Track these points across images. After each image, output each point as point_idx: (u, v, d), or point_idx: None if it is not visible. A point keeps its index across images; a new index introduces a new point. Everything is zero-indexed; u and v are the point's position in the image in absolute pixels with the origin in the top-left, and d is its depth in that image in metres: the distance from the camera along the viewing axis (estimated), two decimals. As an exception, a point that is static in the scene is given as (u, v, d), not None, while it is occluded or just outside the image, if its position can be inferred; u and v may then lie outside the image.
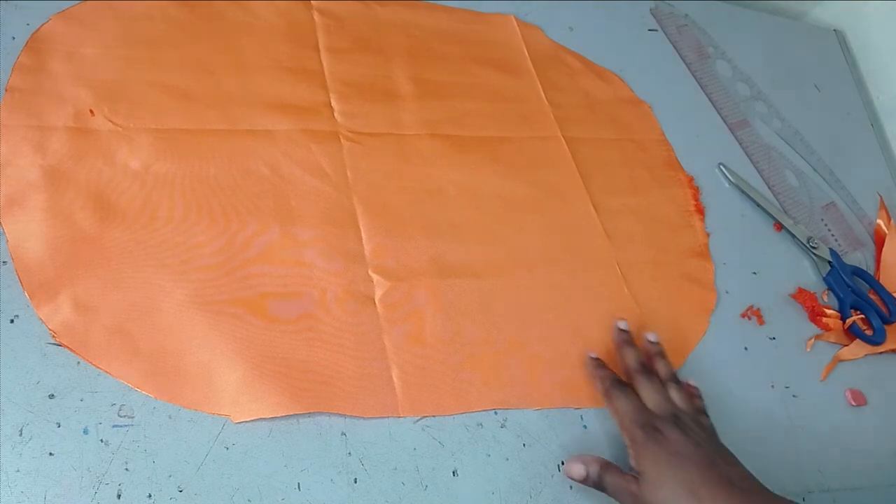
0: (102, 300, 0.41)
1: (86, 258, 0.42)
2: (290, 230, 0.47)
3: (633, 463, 0.43)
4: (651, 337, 0.51)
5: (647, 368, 0.49)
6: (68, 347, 0.39)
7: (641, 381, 0.47)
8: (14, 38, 0.46)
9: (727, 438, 0.46)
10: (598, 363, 0.49)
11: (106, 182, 0.44)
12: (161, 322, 0.42)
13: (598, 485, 0.44)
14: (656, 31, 0.75)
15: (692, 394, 0.49)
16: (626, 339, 0.51)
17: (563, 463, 0.47)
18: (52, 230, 0.42)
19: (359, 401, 0.44)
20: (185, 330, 0.42)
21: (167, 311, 0.42)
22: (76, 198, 0.43)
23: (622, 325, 0.52)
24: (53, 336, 0.39)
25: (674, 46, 0.75)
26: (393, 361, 0.46)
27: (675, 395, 0.47)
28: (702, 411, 0.48)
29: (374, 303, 0.47)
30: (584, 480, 0.44)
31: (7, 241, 0.41)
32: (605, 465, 0.44)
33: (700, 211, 0.64)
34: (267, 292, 0.45)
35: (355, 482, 0.42)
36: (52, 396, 0.38)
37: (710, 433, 0.46)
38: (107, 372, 0.39)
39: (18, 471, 0.36)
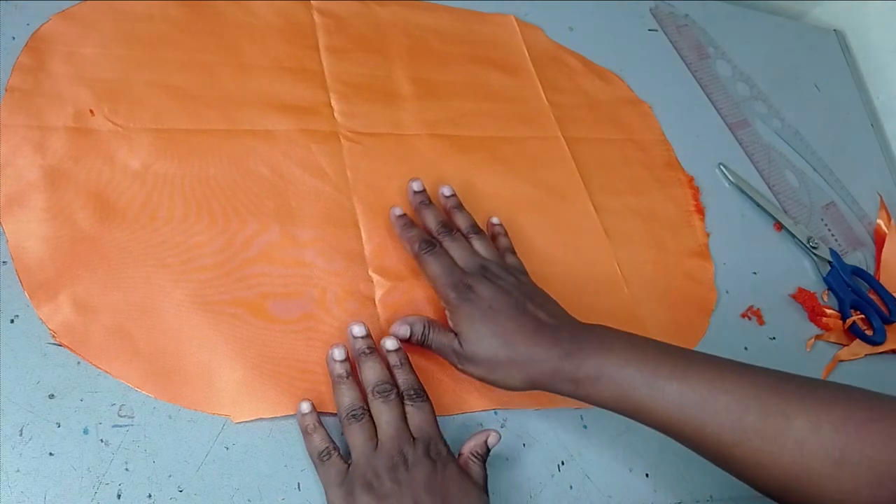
0: (102, 300, 0.41)
1: (86, 258, 0.42)
2: (290, 230, 0.47)
3: (451, 323, 0.44)
4: (445, 191, 0.51)
5: (449, 225, 0.49)
6: (68, 347, 0.39)
7: (446, 241, 0.47)
8: (14, 38, 0.46)
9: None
10: (406, 222, 0.49)
11: (106, 182, 0.44)
12: (161, 322, 0.42)
13: (424, 343, 0.45)
14: (656, 31, 0.75)
15: (496, 233, 0.51)
16: (423, 199, 0.50)
17: (563, 463, 0.47)
18: (52, 230, 0.42)
19: None
20: (185, 330, 0.42)
21: (167, 311, 0.42)
22: (76, 198, 0.43)
23: (416, 185, 0.50)
24: (53, 336, 0.39)
25: (674, 46, 0.75)
26: None
27: (479, 245, 0.48)
28: (508, 250, 0.50)
29: (375, 303, 0.47)
30: (410, 339, 0.45)
31: (7, 241, 0.40)
32: (430, 324, 0.45)
33: (700, 211, 0.64)
34: (267, 292, 0.45)
35: (355, 482, 0.42)
36: (52, 396, 0.38)
37: (519, 274, 0.47)
38: (107, 372, 0.39)
39: (18, 471, 0.36)
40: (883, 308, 0.65)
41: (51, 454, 0.37)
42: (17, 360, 0.38)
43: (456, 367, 0.44)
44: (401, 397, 0.42)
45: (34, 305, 0.39)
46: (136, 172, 0.45)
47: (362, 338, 0.44)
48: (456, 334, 0.44)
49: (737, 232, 0.65)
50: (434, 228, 0.48)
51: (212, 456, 0.39)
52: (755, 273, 0.63)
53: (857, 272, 0.67)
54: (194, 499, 0.38)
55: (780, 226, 0.67)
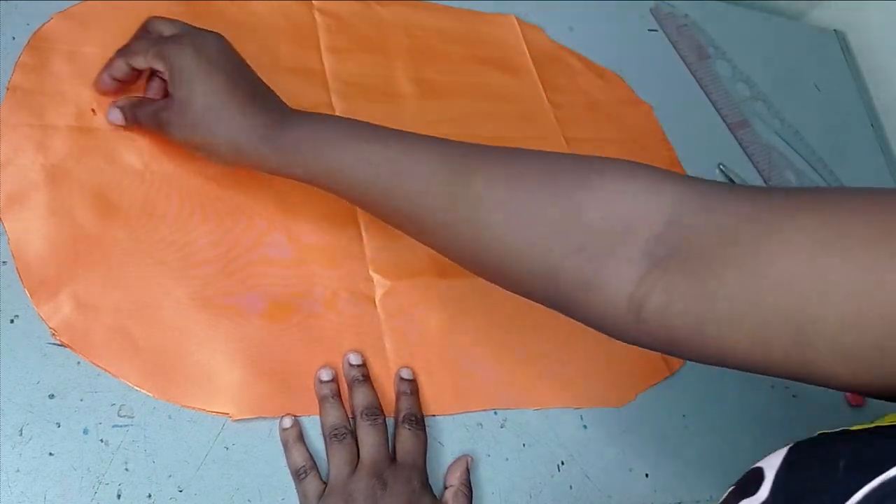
0: (103, 299, 0.41)
1: (87, 257, 0.42)
2: (290, 229, 0.47)
3: (170, 85, 0.42)
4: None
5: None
6: (68, 346, 0.39)
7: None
8: (14, 37, 0.46)
9: (725, 440, 0.46)
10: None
11: (107, 181, 0.44)
12: (161, 321, 0.42)
13: (136, 122, 0.45)
14: (656, 31, 0.75)
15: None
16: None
17: (563, 463, 0.47)
18: (53, 229, 0.42)
19: None
20: (186, 329, 0.42)
21: (168, 310, 0.42)
22: (77, 196, 0.43)
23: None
24: (54, 334, 0.39)
25: (674, 46, 0.75)
26: (393, 361, 0.46)
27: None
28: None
29: (375, 303, 0.47)
30: (125, 124, 0.45)
31: (8, 239, 0.40)
32: (137, 103, 0.45)
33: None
34: (267, 291, 0.45)
35: (355, 482, 0.42)
36: (52, 396, 0.38)
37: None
38: (106, 370, 0.39)
39: (18, 471, 0.36)
40: (883, 308, 0.65)
41: (51, 454, 0.37)
42: (16, 360, 0.38)
43: (161, 131, 0.43)
44: (401, 420, 0.43)
45: (35, 304, 0.39)
46: (137, 171, 0.45)
47: (358, 366, 0.44)
48: (165, 101, 0.43)
49: (737, 232, 0.65)
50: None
51: (212, 456, 0.39)
52: (755, 273, 0.63)
53: (857, 272, 0.66)
54: (194, 499, 0.38)
55: (780, 226, 0.67)
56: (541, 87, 0.63)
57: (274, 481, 0.40)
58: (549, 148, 0.59)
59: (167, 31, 0.45)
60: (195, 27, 0.45)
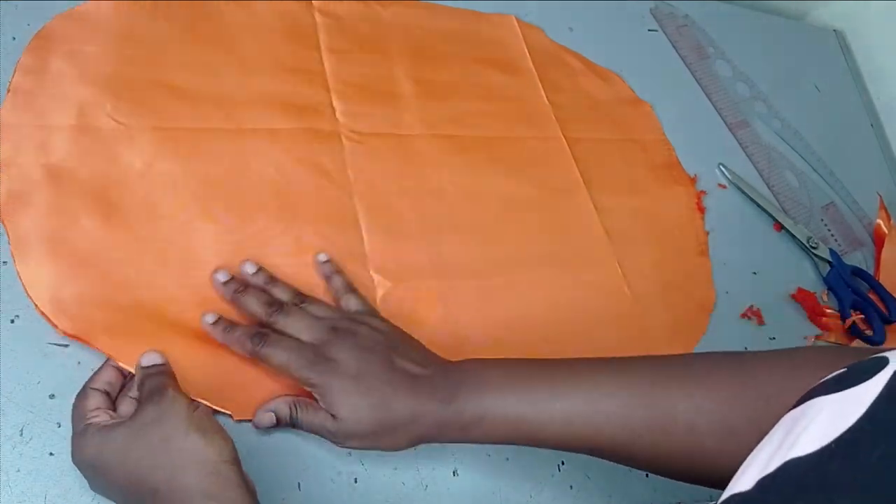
0: (104, 300, 0.41)
1: (89, 257, 0.42)
2: (291, 230, 0.47)
3: (322, 404, 0.39)
4: (249, 268, 0.44)
5: (274, 302, 0.42)
6: (77, 337, 0.39)
7: (279, 321, 0.41)
8: (14, 38, 0.46)
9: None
10: (224, 326, 0.41)
11: (109, 181, 0.44)
12: (164, 322, 0.42)
13: (294, 426, 0.41)
14: (656, 31, 0.76)
15: (326, 273, 0.46)
16: (235, 287, 0.43)
17: (563, 463, 0.47)
18: (55, 229, 0.42)
19: None
20: (188, 330, 0.42)
21: (170, 311, 0.42)
22: (79, 197, 0.43)
23: (221, 276, 0.43)
24: (58, 331, 0.39)
25: (674, 47, 0.75)
26: None
27: (314, 310, 0.42)
28: (345, 289, 0.45)
29: (376, 303, 0.47)
30: (277, 425, 0.40)
31: (10, 240, 0.40)
32: (296, 404, 0.40)
33: (701, 210, 0.64)
34: None
35: (355, 482, 0.42)
36: (52, 396, 0.38)
37: (371, 319, 0.43)
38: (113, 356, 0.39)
39: (19, 471, 0.36)
40: (883, 308, 0.65)
41: (51, 454, 0.37)
42: (17, 360, 0.38)
43: (336, 444, 0.40)
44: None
45: (36, 305, 0.39)
46: (139, 171, 0.45)
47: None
48: (330, 413, 0.39)
49: (737, 232, 0.65)
50: (260, 312, 0.41)
51: (212, 456, 0.39)
52: (755, 273, 0.63)
53: (857, 272, 0.67)
54: (195, 499, 0.38)
55: (779, 226, 0.67)
56: (541, 87, 0.63)
57: (274, 481, 0.40)
58: (550, 148, 0.61)
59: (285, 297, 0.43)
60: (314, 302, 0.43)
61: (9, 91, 0.44)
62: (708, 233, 0.63)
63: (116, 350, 0.39)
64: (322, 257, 0.47)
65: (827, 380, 0.27)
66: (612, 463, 0.48)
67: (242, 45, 0.53)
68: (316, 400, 0.40)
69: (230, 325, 0.41)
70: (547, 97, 0.63)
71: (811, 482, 0.24)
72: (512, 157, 0.58)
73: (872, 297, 0.66)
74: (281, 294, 0.43)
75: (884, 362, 0.26)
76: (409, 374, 0.40)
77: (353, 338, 0.40)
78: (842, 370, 0.27)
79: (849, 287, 0.64)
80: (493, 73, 0.62)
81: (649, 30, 0.75)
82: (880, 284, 0.66)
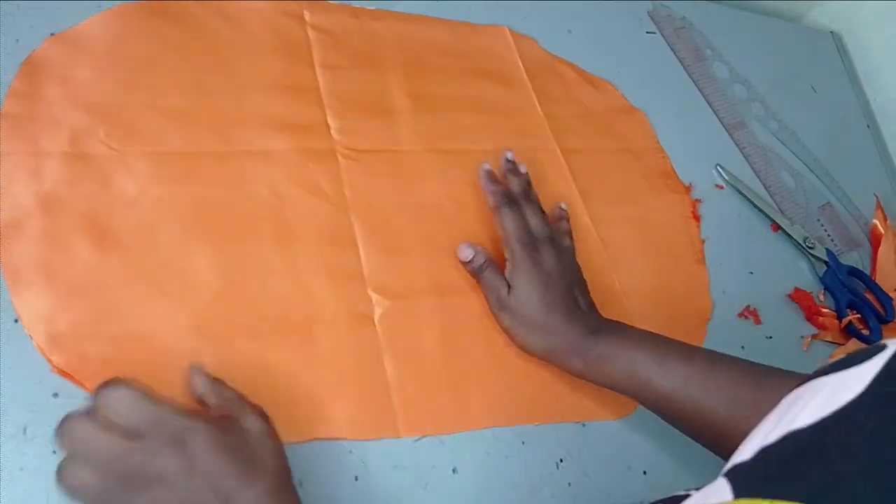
0: (99, 328, 0.40)
1: (83, 285, 0.41)
2: (288, 251, 0.47)
3: (508, 275, 0.48)
4: (522, 169, 0.55)
5: (529, 196, 0.53)
6: (68, 376, 0.39)
7: (525, 205, 0.51)
8: (18, 39, 0.46)
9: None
10: (491, 176, 0.52)
11: (103, 207, 0.43)
12: (161, 349, 0.41)
13: (477, 274, 0.49)
14: (654, 33, 0.76)
15: (559, 216, 0.55)
16: (511, 168, 0.54)
17: (561, 461, 0.47)
18: (48, 257, 0.41)
19: (358, 423, 0.44)
20: (185, 355, 0.41)
21: (166, 338, 0.41)
22: (73, 224, 0.42)
23: (510, 155, 0.55)
24: (52, 366, 0.39)
25: (671, 49, 0.76)
26: (393, 382, 0.45)
27: (545, 221, 0.52)
28: (567, 233, 0.54)
29: (374, 322, 0.47)
30: (467, 264, 0.50)
31: (3, 269, 0.40)
32: (489, 261, 0.49)
33: (696, 219, 0.64)
34: (266, 314, 0.44)
35: (356, 480, 0.42)
36: (55, 395, 0.38)
37: (572, 256, 0.52)
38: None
39: (22, 469, 0.36)
40: (879, 308, 0.65)
41: (54, 452, 0.37)
42: (20, 358, 0.38)
43: (492, 310, 0.49)
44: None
45: (31, 335, 0.39)
46: (132, 197, 0.44)
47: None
48: (508, 284, 0.48)
49: (733, 232, 0.65)
50: (517, 191, 0.52)
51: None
52: (752, 273, 0.63)
53: (854, 272, 0.67)
54: (196, 496, 0.38)
55: (776, 226, 0.67)
56: (535, 98, 0.62)
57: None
58: (545, 159, 0.61)
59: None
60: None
61: (0, 118, 0.43)
62: (704, 241, 0.63)
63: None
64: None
65: (829, 363, 0.29)
66: (610, 461, 0.48)
67: (235, 64, 0.52)
68: (503, 271, 0.49)
69: (495, 179, 0.52)
70: (541, 108, 0.62)
71: (809, 450, 0.25)
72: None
73: (869, 296, 0.66)
74: (533, 196, 0.53)
75: (884, 347, 0.27)
76: (576, 302, 0.48)
77: (558, 255, 0.49)
78: (843, 356, 0.29)
79: (845, 287, 0.65)
80: (487, 85, 0.61)
81: (647, 32, 0.75)
82: (876, 284, 0.67)
